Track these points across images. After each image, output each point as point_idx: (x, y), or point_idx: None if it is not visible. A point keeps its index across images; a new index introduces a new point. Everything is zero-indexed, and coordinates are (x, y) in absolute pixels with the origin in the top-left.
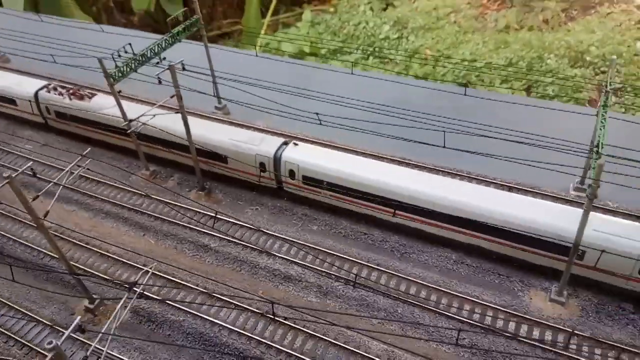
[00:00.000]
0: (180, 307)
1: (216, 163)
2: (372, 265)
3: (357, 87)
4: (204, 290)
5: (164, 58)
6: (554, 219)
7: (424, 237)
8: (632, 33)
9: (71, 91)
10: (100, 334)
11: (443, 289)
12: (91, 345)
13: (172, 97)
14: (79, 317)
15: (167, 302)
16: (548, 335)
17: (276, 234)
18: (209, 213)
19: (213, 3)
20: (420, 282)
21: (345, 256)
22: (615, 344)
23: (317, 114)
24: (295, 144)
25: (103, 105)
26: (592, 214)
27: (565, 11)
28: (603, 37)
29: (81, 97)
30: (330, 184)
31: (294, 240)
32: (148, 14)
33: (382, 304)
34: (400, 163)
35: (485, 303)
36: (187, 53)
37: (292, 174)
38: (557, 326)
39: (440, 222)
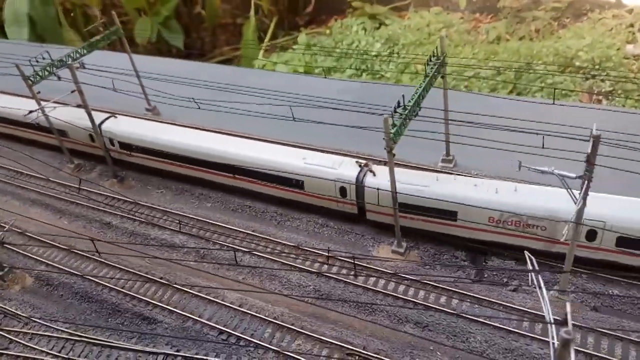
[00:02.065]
0: (73, 272)
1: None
2: (249, 232)
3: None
4: (97, 258)
5: (82, 63)
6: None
7: (296, 205)
8: (622, 37)
9: None
10: None
11: (303, 247)
12: None
13: (72, 92)
14: None
15: (62, 268)
16: (382, 282)
17: (169, 210)
18: (112, 195)
19: (213, 32)
20: (287, 242)
21: (226, 225)
22: (439, 285)
23: (192, 99)
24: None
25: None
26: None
27: (557, 19)
28: (592, 42)
29: None
30: (141, 149)
31: (183, 214)
32: (151, 43)
33: (247, 261)
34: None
35: (339, 257)
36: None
37: (111, 142)
38: (388, 271)
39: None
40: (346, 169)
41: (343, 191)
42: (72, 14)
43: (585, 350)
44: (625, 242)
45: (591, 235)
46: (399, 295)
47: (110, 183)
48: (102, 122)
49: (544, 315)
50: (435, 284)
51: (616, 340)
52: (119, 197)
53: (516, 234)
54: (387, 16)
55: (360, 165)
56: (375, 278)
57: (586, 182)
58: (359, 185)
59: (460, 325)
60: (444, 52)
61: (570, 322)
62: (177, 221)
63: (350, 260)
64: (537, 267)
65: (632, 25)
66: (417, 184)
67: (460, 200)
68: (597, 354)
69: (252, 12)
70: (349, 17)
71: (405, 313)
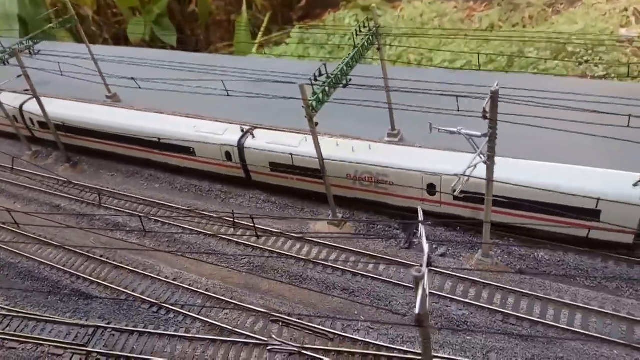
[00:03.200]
0: (18, 252)
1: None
2: (192, 209)
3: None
4: (43, 240)
5: (39, 51)
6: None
7: (239, 182)
8: (615, 21)
9: None
10: None
11: (244, 223)
12: None
13: (18, 76)
14: None
15: (5, 248)
16: (315, 251)
17: (116, 192)
18: (60, 178)
19: (207, 29)
20: (229, 219)
21: (170, 204)
22: (371, 253)
23: (132, 78)
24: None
25: None
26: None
27: (552, 6)
28: (585, 27)
29: None
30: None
31: (129, 195)
32: (145, 42)
33: (187, 240)
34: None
35: (278, 231)
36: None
37: (31, 121)
38: (324, 242)
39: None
40: (230, 134)
41: (228, 155)
42: (64, 15)
43: (504, 311)
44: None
45: (431, 188)
46: (328, 264)
47: (64, 168)
48: (24, 103)
49: (465, 278)
50: (364, 252)
51: (536, 300)
52: (71, 180)
53: (374, 190)
54: (380, 7)
55: (242, 130)
56: (308, 248)
57: (489, 139)
58: (240, 148)
59: (384, 289)
60: (377, 23)
61: (425, 264)
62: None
63: (287, 234)
64: (422, 218)
65: (626, 10)
66: (288, 145)
67: (325, 159)
68: (515, 314)
69: (244, 8)
70: (342, 10)
71: (333, 280)
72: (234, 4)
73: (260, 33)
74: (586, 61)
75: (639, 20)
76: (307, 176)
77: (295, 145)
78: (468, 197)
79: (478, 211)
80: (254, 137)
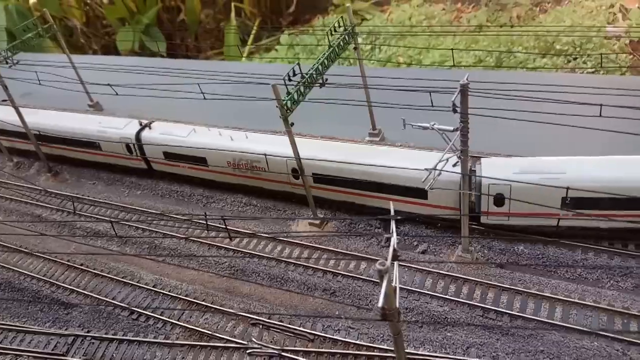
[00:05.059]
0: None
1: None
2: (171, 215)
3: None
4: (21, 249)
5: (18, 62)
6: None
7: (223, 187)
8: (602, 18)
9: None
10: None
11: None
12: None
13: None
14: None
15: None
16: (296, 253)
17: (97, 200)
18: (38, 188)
19: (197, 37)
20: (209, 223)
21: (150, 210)
22: (350, 253)
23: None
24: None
25: None
26: None
27: (539, 5)
28: (572, 25)
29: None
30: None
31: (110, 203)
32: (134, 52)
33: (167, 245)
34: None
35: (259, 234)
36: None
37: None
38: (304, 243)
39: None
40: (130, 128)
41: (129, 148)
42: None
43: (484, 305)
44: (319, 179)
45: (295, 172)
46: (309, 265)
47: (45, 178)
48: None
49: (446, 274)
50: (346, 252)
51: (516, 294)
52: (51, 190)
53: (250, 175)
54: (369, 11)
55: (141, 124)
56: (289, 250)
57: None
58: (138, 140)
59: (365, 289)
60: (353, 22)
61: (390, 257)
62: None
63: (263, 235)
64: (393, 213)
65: (612, 6)
66: (177, 135)
67: (208, 147)
68: (495, 308)
69: (232, 15)
70: (331, 15)
71: (314, 281)
72: (223, 12)
73: (250, 39)
74: (574, 58)
75: (625, 16)
76: (195, 164)
77: (184, 135)
78: (323, 179)
79: (331, 192)
80: (150, 129)
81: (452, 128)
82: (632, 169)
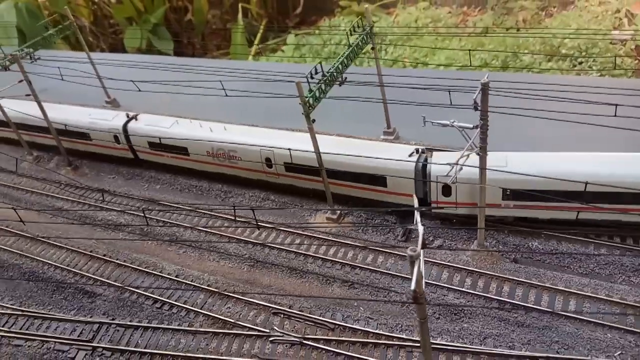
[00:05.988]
0: (22, 253)
1: None
2: (193, 209)
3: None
4: (44, 240)
5: (39, 58)
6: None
7: (240, 182)
8: (608, 23)
9: None
10: None
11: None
12: None
13: (20, 82)
14: None
15: (9, 250)
16: (315, 245)
17: (117, 193)
18: (65, 182)
19: (204, 37)
20: (229, 217)
21: (171, 204)
22: (367, 246)
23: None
24: None
25: None
26: None
27: (545, 9)
28: (578, 29)
29: None
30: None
31: (131, 196)
32: (141, 51)
33: (188, 236)
34: None
35: (279, 228)
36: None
37: None
38: (322, 237)
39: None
40: (117, 120)
41: (116, 138)
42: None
43: (499, 298)
44: (291, 168)
45: (268, 161)
46: (328, 258)
47: (65, 172)
48: None
49: (462, 268)
50: (363, 245)
51: (531, 287)
52: (72, 183)
53: (227, 164)
54: (375, 13)
55: (128, 116)
56: (308, 243)
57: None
58: (125, 131)
59: (383, 281)
60: (371, 23)
61: (420, 244)
62: (126, 202)
63: (285, 229)
64: (417, 205)
65: (618, 11)
66: (161, 126)
67: (189, 138)
68: (510, 301)
69: (239, 15)
70: (337, 17)
71: (333, 273)
72: (230, 13)
73: (257, 40)
74: (580, 63)
75: (631, 21)
76: (177, 154)
77: (167, 126)
78: (295, 168)
79: (305, 181)
80: (137, 120)
81: (471, 125)
82: (570, 165)
